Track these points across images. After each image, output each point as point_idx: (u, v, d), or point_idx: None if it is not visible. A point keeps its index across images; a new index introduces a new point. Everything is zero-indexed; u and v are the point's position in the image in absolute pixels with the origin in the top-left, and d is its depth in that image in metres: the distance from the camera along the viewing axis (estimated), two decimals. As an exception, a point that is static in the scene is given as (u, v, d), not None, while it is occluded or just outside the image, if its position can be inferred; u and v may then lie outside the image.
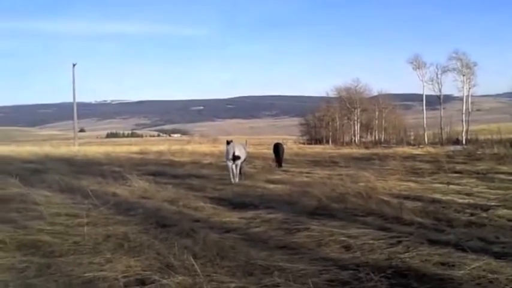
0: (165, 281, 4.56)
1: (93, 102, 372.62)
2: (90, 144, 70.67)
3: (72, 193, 10.73)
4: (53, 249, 6.01)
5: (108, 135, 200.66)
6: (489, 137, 33.50)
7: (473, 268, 4.83)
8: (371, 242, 6.06)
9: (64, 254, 5.83)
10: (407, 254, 5.48)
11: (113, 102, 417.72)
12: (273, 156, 20.52)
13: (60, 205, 9.23)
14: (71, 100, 61.64)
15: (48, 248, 6.06)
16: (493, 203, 8.81)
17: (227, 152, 14.06)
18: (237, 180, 13.73)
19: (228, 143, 14.30)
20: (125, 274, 4.89)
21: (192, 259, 4.99)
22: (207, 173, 17.01)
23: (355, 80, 74.92)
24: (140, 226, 7.32)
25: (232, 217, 8.19)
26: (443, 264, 5.09)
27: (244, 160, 15.07)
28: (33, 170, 17.93)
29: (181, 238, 6.41)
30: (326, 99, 79.43)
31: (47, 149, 39.25)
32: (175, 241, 6.06)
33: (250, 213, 8.38)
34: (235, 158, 13.94)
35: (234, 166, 14.03)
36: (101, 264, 5.26)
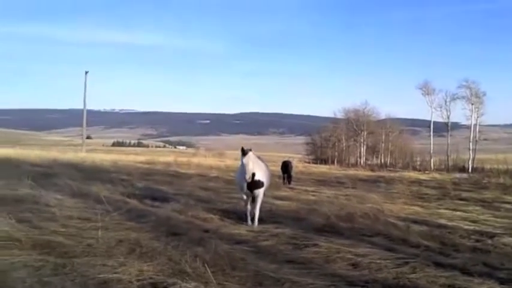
0: (178, 286, 4.69)
1: (101, 110, 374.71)
2: (97, 152, 70.84)
3: (83, 198, 10.91)
4: (67, 250, 6.17)
5: (114, 144, 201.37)
6: (495, 166, 33.33)
7: (479, 291, 4.94)
8: (378, 261, 6.18)
9: (78, 255, 5.99)
10: (414, 274, 5.59)
11: (121, 112, 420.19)
12: (280, 173, 20.61)
13: (72, 208, 9.42)
14: (79, 106, 61.99)
15: (62, 249, 6.23)
16: (498, 231, 8.87)
17: (243, 166, 8.74)
18: (255, 223, 8.83)
19: (245, 152, 8.69)
20: (139, 277, 5.04)
21: (206, 266, 5.13)
22: (214, 186, 17.14)
23: (363, 102, 75.16)
24: (151, 233, 7.48)
25: (241, 230, 8.32)
26: (449, 286, 5.21)
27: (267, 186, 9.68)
28: (42, 174, 18.08)
29: (192, 247, 6.54)
30: (333, 120, 79.56)
31: (54, 153, 39.54)
32: (187, 249, 6.21)
33: (258, 227, 8.52)
34: (255, 184, 8.86)
35: (250, 198, 9.12)
36: (114, 267, 5.41)
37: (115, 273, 5.18)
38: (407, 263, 6.09)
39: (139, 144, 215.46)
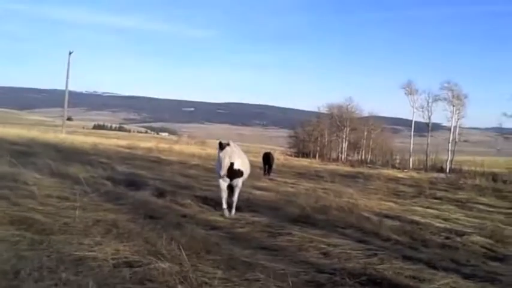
0: (152, 266, 4.81)
1: (83, 92, 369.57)
2: (77, 134, 70.17)
3: (61, 178, 10.92)
4: (45, 227, 6.25)
5: (95, 127, 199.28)
6: (473, 168, 33.97)
7: (442, 284, 5.16)
8: (349, 251, 6.39)
9: (55, 232, 6.07)
10: (381, 265, 5.80)
11: (104, 94, 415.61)
12: (261, 164, 20.77)
13: (51, 188, 9.45)
14: (62, 87, 61.06)
15: (40, 226, 6.30)
16: (468, 230, 9.13)
17: (220, 161, 8.59)
18: (233, 212, 8.89)
19: (222, 146, 8.57)
20: (114, 256, 5.15)
21: (181, 249, 5.25)
22: (194, 173, 17.21)
23: (347, 99, 75.62)
24: (129, 215, 7.58)
25: (218, 216, 8.48)
26: (414, 277, 5.41)
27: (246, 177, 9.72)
28: (21, 152, 17.90)
29: (169, 230, 6.64)
30: (317, 115, 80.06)
31: (34, 133, 39.08)
32: (163, 232, 6.32)
33: (235, 215, 8.68)
34: (234, 173, 8.91)
35: (226, 186, 9.01)
36: (90, 246, 5.50)
37: (91, 251, 5.28)
38: (376, 254, 6.30)
39: (120, 129, 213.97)
